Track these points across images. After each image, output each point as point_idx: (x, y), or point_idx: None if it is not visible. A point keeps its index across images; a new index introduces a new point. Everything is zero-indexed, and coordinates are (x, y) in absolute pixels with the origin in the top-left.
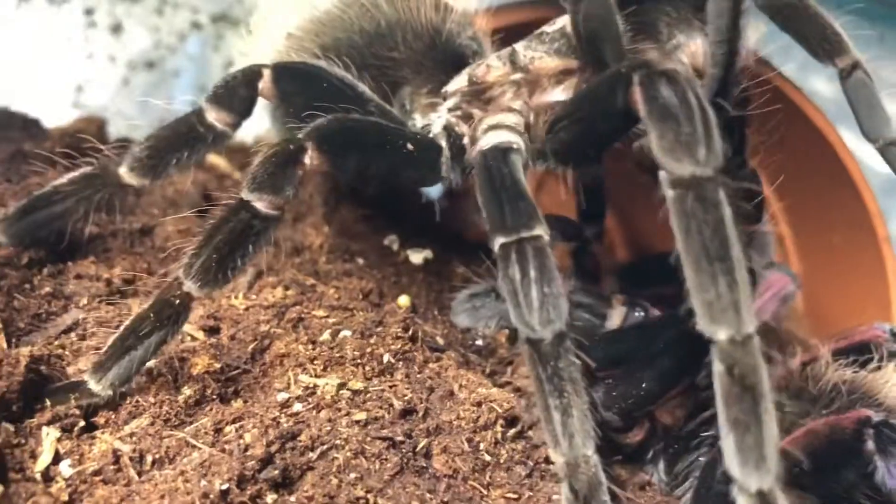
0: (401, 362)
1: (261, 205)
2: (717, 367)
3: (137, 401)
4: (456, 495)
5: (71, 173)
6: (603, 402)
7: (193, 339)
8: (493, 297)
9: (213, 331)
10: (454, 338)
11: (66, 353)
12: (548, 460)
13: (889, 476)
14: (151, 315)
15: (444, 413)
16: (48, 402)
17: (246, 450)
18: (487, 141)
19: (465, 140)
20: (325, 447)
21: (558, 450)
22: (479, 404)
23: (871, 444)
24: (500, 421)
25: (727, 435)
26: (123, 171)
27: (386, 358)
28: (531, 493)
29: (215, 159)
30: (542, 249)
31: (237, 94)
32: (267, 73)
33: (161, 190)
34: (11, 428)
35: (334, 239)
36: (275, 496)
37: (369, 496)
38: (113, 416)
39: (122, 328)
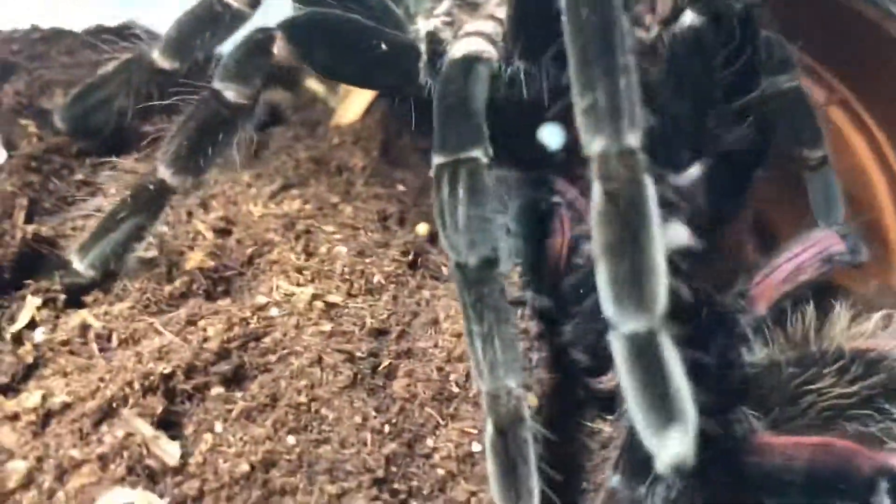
0: (392, 285)
1: (230, 94)
2: (594, 189)
3: (126, 286)
4: (407, 419)
5: (115, 61)
6: (570, 340)
7: (203, 237)
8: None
9: (223, 232)
10: None
11: (76, 235)
12: None
13: None
14: (129, 200)
15: (421, 339)
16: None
17: (205, 342)
18: (458, 49)
19: (446, 47)
20: (285, 352)
21: (480, 379)
22: (460, 335)
23: (883, 499)
24: None
25: (599, 267)
26: (156, 55)
27: (377, 278)
28: None
29: (313, 84)
30: (476, 172)
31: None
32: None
33: None
34: None
35: (380, 164)
36: (220, 390)
37: (312, 403)
38: (100, 297)
39: (105, 213)
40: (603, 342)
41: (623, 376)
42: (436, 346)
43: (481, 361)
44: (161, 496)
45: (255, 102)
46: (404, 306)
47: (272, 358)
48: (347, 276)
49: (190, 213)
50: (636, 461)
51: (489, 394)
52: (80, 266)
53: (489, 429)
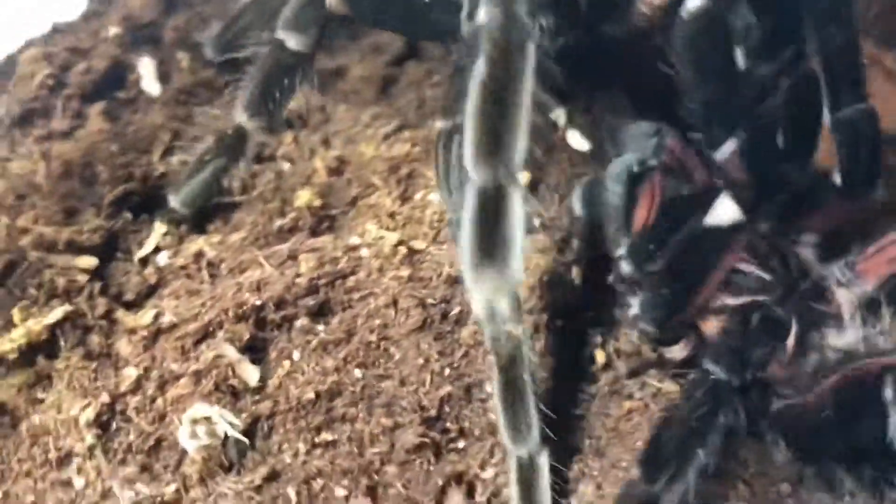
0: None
1: (291, 43)
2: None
3: (241, 219)
4: (469, 364)
5: None
6: (638, 312)
7: (318, 175)
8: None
9: (335, 171)
10: (559, 223)
11: None
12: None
13: None
14: (214, 144)
15: None
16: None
17: (297, 276)
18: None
19: None
20: (365, 292)
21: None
22: (532, 289)
23: (889, 393)
24: (549, 315)
25: (466, 126)
26: None
27: None
28: None
29: None
30: None
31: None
32: None
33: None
34: (129, 216)
35: None
36: (304, 322)
37: (382, 342)
38: (220, 226)
39: (196, 154)
40: (670, 315)
41: (465, 223)
42: None
43: None
44: (240, 412)
45: (314, 50)
46: None
47: (354, 296)
48: (436, 224)
49: (312, 151)
50: (659, 456)
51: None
52: (175, 203)
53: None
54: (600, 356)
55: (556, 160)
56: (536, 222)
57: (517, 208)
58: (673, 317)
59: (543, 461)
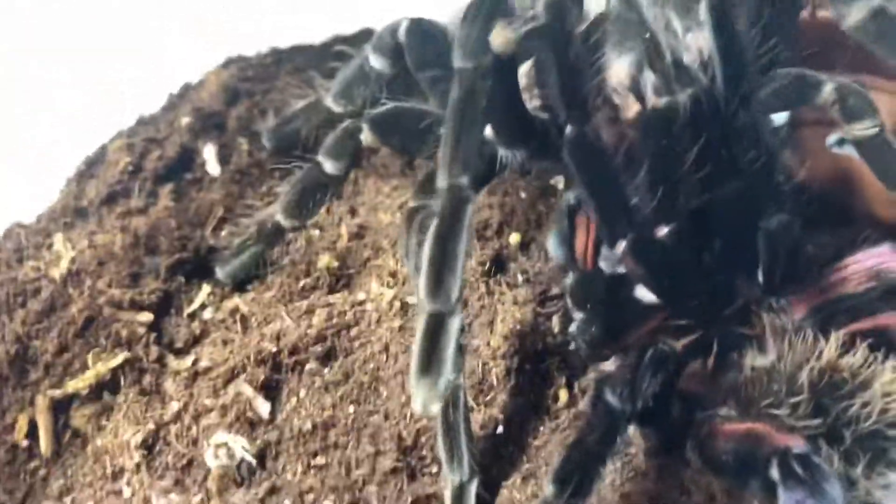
0: (465, 290)
1: (327, 166)
2: None
3: (273, 280)
4: None
5: (302, 101)
6: (576, 331)
7: (341, 239)
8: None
9: (356, 236)
10: (542, 277)
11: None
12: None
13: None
14: (255, 232)
15: (476, 337)
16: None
17: (309, 328)
18: None
19: None
20: (364, 340)
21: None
22: (508, 336)
23: (774, 473)
24: (519, 359)
25: (422, 266)
26: (328, 100)
27: None
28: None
29: None
30: None
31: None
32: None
33: None
34: (182, 280)
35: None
36: (313, 366)
37: (373, 382)
38: (257, 286)
39: (239, 239)
40: (592, 329)
41: (416, 339)
42: (487, 344)
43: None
44: (255, 439)
45: (347, 174)
46: (470, 308)
47: (356, 344)
48: None
49: (340, 219)
50: (566, 474)
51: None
52: (221, 275)
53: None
54: (563, 395)
55: (550, 220)
56: (521, 278)
57: (452, 333)
58: (601, 346)
59: (472, 488)
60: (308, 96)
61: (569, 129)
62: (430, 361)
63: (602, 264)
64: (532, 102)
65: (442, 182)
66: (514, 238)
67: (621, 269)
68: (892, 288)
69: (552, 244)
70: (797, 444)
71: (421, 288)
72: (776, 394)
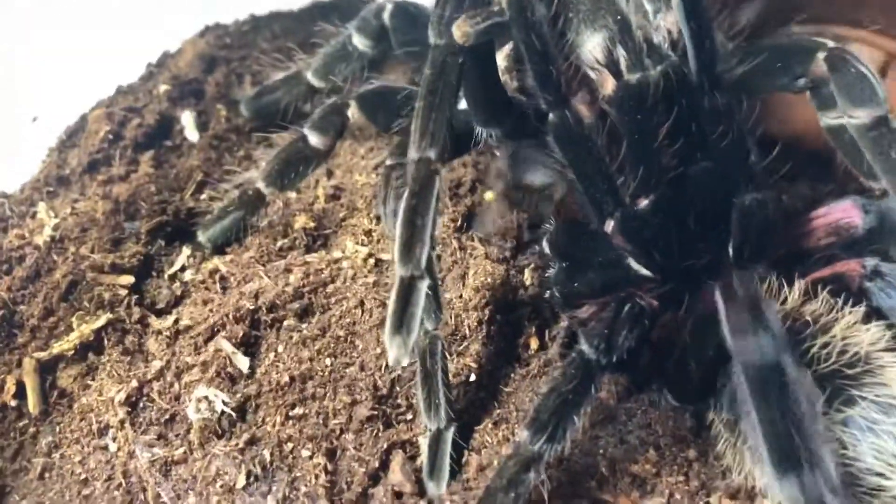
0: (439, 245)
1: (312, 139)
2: None
3: (252, 240)
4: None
5: (281, 73)
6: (552, 280)
7: (318, 201)
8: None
9: (333, 197)
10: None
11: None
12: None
13: (729, 327)
14: (235, 198)
15: (449, 291)
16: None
17: (286, 285)
18: None
19: None
20: (340, 296)
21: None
22: (479, 289)
23: (718, 296)
24: (490, 310)
25: (396, 233)
26: (309, 75)
27: None
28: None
29: None
30: None
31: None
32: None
33: None
34: (163, 243)
35: None
36: (290, 322)
37: (349, 336)
38: (236, 248)
39: (220, 204)
40: (574, 283)
41: (390, 300)
42: (459, 297)
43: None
44: (235, 393)
45: (332, 148)
46: (444, 263)
47: (332, 300)
48: None
49: (317, 181)
50: (540, 420)
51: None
52: (202, 239)
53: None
54: (534, 343)
55: None
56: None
57: (420, 295)
58: (579, 298)
59: (449, 435)
60: (286, 67)
61: (551, 116)
62: (401, 320)
63: None
64: (512, 84)
65: (413, 154)
66: (489, 195)
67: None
68: (850, 242)
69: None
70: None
71: (394, 255)
72: None
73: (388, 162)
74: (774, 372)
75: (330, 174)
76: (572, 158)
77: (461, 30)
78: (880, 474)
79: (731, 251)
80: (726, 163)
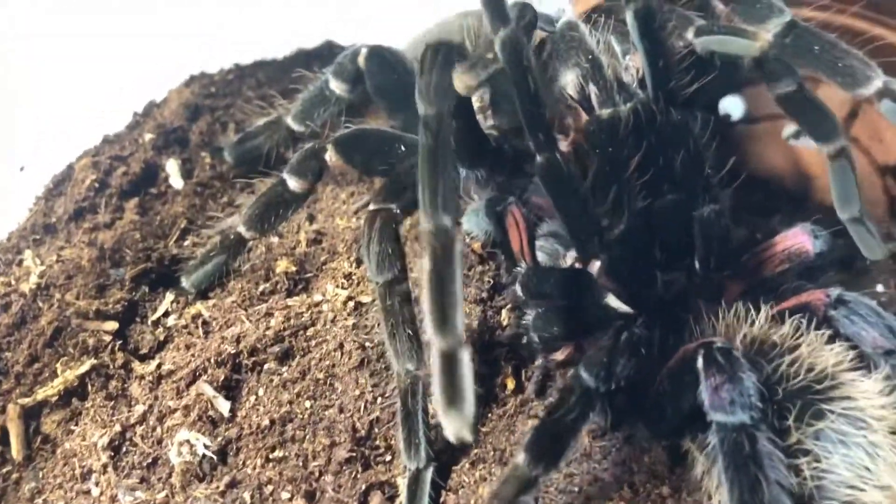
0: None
1: (291, 183)
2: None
3: (234, 285)
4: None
5: (263, 119)
6: (530, 326)
7: (300, 245)
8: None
9: (314, 242)
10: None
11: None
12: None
13: (709, 395)
14: (218, 243)
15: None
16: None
17: (267, 329)
18: None
19: None
20: (320, 339)
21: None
22: None
23: (699, 363)
24: None
25: (423, 303)
26: (289, 120)
27: None
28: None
29: None
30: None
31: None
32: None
33: None
34: (146, 289)
35: None
36: (272, 365)
37: (329, 378)
38: (218, 292)
39: (203, 249)
40: (554, 328)
41: (434, 376)
42: None
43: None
44: (216, 436)
45: (310, 192)
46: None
47: (312, 343)
48: None
49: (298, 226)
50: (538, 446)
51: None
52: (186, 284)
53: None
54: (510, 383)
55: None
56: (471, 275)
57: (466, 364)
58: (558, 342)
59: (428, 475)
60: (268, 114)
61: (539, 158)
62: (453, 394)
63: (540, 257)
64: (486, 122)
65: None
66: (476, 245)
67: (568, 263)
68: (803, 267)
69: (469, 225)
70: (719, 340)
71: (429, 328)
72: None
73: (372, 206)
74: (748, 439)
75: (312, 219)
76: (558, 199)
77: (464, 82)
78: (853, 486)
79: (697, 263)
80: (687, 182)
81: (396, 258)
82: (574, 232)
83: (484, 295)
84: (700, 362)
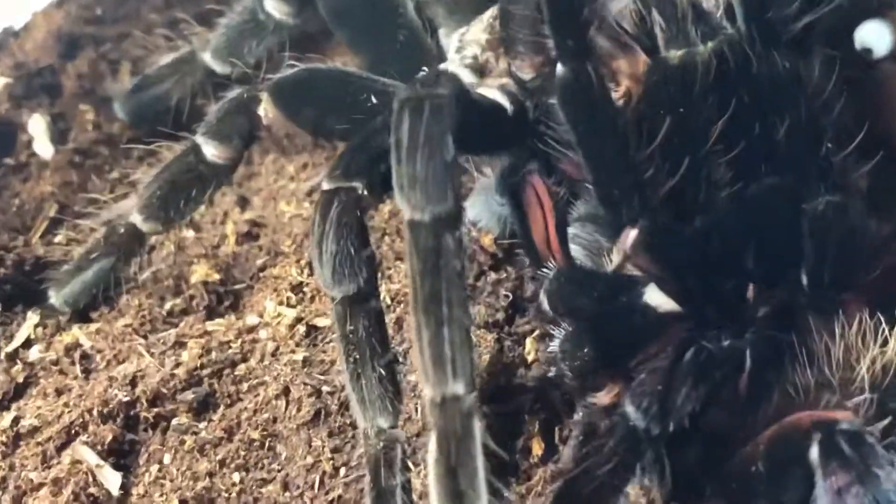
0: (399, 305)
1: (208, 151)
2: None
3: (128, 301)
4: None
5: (170, 55)
6: (559, 353)
7: (227, 242)
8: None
9: (249, 236)
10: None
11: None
12: None
13: (829, 500)
14: (102, 239)
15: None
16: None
17: (177, 366)
18: None
19: None
20: (255, 381)
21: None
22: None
23: (814, 453)
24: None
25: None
26: (207, 57)
27: None
28: None
29: None
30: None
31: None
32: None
33: None
34: None
35: None
36: (183, 419)
37: (268, 440)
38: (105, 311)
39: (81, 249)
40: (586, 351)
41: (430, 465)
42: None
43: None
44: None
45: (236, 162)
46: (406, 329)
47: (243, 387)
48: None
49: (226, 214)
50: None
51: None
52: (56, 301)
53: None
54: (538, 447)
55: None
56: (483, 288)
57: (477, 441)
58: (596, 371)
59: None
60: (178, 48)
61: (560, 69)
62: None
63: (574, 251)
64: (498, 66)
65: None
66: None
67: (615, 264)
68: None
69: (477, 211)
70: (846, 419)
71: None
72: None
73: (325, 185)
74: None
75: (244, 203)
76: (583, 132)
77: None
78: None
79: (804, 277)
80: (796, 159)
81: (362, 262)
82: (601, 186)
83: (499, 316)
84: (815, 452)
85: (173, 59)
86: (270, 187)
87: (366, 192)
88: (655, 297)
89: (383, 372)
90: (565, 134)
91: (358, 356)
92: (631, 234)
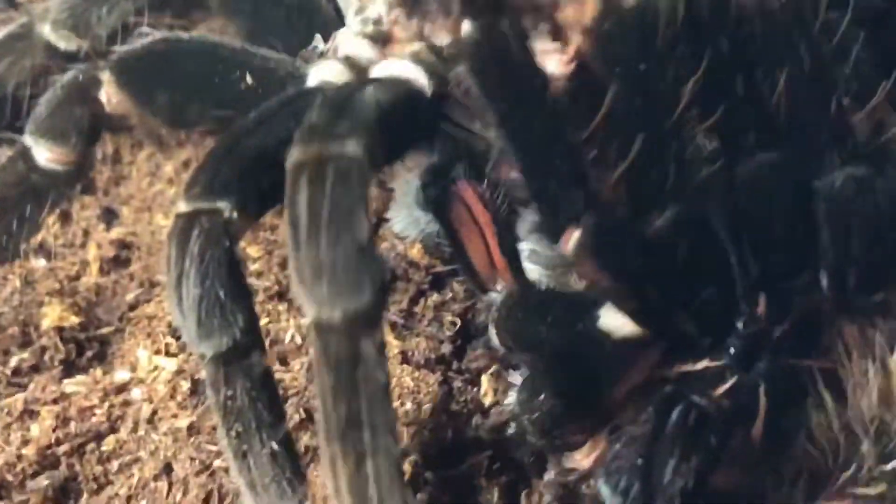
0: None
1: (40, 154)
2: None
3: None
4: None
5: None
6: (517, 406)
7: (88, 272)
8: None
9: (115, 262)
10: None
11: None
12: None
13: None
14: None
15: None
16: None
17: (25, 443)
18: None
19: None
20: (128, 458)
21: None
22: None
23: None
24: (416, 464)
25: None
26: (46, 30)
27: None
28: None
29: None
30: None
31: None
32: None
33: None
34: None
35: None
36: None
37: None
38: None
39: None
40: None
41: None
42: None
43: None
44: None
45: (80, 166)
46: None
47: (113, 466)
48: None
49: (86, 233)
50: None
51: None
52: None
53: None
54: None
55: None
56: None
57: None
58: (562, 426)
59: None
60: (9, 20)
61: (466, 27)
62: None
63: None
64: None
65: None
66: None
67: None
68: None
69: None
70: None
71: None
72: (863, 458)
73: (182, 208)
74: None
75: (110, 217)
76: (502, 107)
77: None
78: None
79: (824, 279)
80: (802, 126)
81: (237, 307)
82: (534, 174)
83: (445, 350)
84: None
85: (4, 35)
86: (144, 194)
87: (235, 215)
88: (611, 320)
89: (275, 447)
90: (484, 113)
91: (241, 429)
92: (574, 236)
